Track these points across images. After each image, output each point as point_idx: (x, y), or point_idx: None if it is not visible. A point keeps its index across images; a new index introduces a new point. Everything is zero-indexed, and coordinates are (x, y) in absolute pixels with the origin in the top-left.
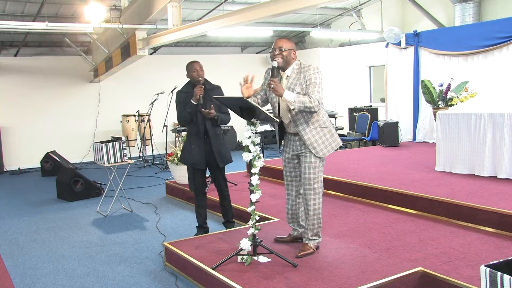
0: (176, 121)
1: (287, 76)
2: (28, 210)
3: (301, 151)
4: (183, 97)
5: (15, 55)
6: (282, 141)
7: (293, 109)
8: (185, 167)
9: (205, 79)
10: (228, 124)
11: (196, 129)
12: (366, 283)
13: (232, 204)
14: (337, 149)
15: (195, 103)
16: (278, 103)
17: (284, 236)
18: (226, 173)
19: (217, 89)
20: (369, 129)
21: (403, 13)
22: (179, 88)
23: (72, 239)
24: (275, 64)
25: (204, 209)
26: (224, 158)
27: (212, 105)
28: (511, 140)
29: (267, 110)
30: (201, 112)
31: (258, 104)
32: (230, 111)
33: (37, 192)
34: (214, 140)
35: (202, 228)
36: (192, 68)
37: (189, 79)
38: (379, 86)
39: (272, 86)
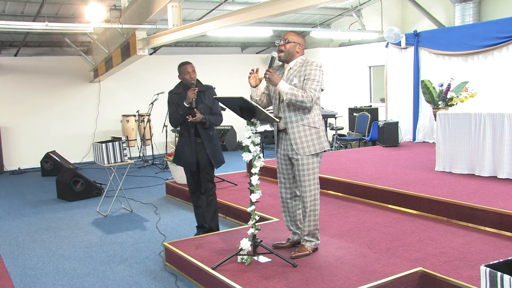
0: None
1: (290, 68)
2: (28, 210)
3: (291, 153)
4: (175, 98)
5: (15, 55)
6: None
7: (286, 100)
8: None
9: (197, 80)
10: (228, 124)
11: (187, 131)
12: (366, 283)
13: (235, 205)
14: (324, 151)
15: (187, 105)
16: (278, 99)
17: (283, 242)
18: (225, 173)
19: (209, 89)
20: (369, 129)
21: (403, 13)
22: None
23: (72, 239)
24: (274, 54)
25: (201, 209)
26: (217, 160)
27: (195, 109)
28: (511, 140)
29: (268, 110)
30: (188, 119)
31: (265, 104)
32: (230, 111)
33: (37, 192)
34: (207, 142)
35: (202, 227)
36: (185, 70)
37: (180, 80)
38: (379, 86)
39: (267, 76)
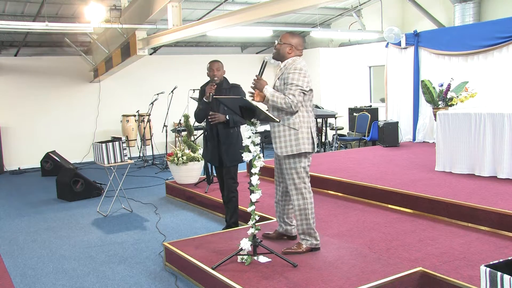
0: (176, 121)
1: (280, 68)
2: (28, 210)
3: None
4: (200, 94)
5: (15, 55)
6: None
7: (270, 104)
8: (185, 167)
9: (224, 78)
10: None
11: (210, 128)
12: (366, 283)
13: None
14: (309, 153)
15: (206, 101)
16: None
17: (270, 232)
18: None
19: (235, 87)
20: (369, 129)
21: (403, 13)
22: (179, 88)
23: (72, 239)
24: (267, 58)
25: (225, 205)
26: (230, 158)
27: (215, 112)
28: (511, 140)
29: (267, 109)
30: (209, 119)
31: None
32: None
33: (37, 192)
34: (224, 139)
35: (226, 222)
36: (210, 67)
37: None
38: (379, 86)
39: (253, 82)
